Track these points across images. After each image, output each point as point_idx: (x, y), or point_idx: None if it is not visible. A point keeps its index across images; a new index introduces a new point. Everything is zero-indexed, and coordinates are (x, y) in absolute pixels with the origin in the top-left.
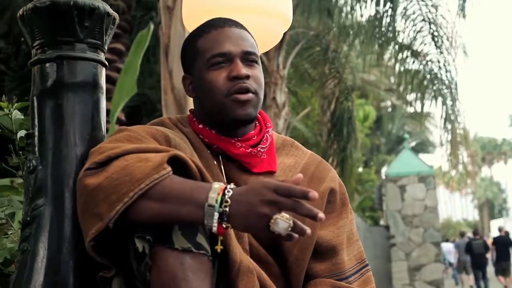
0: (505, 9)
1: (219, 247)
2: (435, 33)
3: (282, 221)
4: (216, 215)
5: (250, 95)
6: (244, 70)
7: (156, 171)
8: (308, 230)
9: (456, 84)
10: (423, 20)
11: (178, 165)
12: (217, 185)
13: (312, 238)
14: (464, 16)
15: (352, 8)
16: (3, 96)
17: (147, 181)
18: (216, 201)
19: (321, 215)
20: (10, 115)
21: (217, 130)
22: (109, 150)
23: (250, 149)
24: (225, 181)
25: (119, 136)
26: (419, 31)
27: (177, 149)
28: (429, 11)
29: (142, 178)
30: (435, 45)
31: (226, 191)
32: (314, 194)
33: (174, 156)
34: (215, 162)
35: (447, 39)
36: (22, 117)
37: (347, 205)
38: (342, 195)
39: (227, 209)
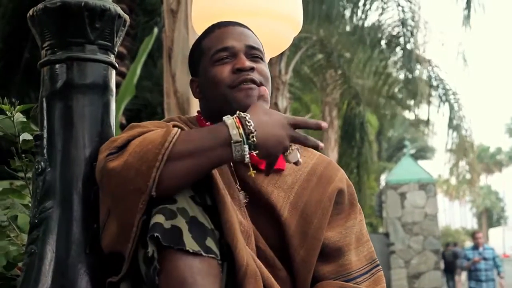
0: (502, 15)
1: (252, 172)
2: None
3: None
4: (246, 149)
5: (255, 86)
6: (248, 63)
7: (169, 132)
8: (321, 144)
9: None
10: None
11: None
12: (230, 120)
13: (319, 238)
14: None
15: (352, 14)
16: (5, 99)
17: (168, 138)
18: (240, 135)
19: (324, 124)
20: (12, 118)
21: None
22: (125, 136)
23: None
24: (234, 178)
25: (131, 131)
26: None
27: None
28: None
29: (162, 140)
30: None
31: (246, 122)
32: (324, 124)
33: (177, 127)
34: None
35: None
36: (24, 119)
37: (356, 205)
38: (351, 195)
39: (254, 139)
